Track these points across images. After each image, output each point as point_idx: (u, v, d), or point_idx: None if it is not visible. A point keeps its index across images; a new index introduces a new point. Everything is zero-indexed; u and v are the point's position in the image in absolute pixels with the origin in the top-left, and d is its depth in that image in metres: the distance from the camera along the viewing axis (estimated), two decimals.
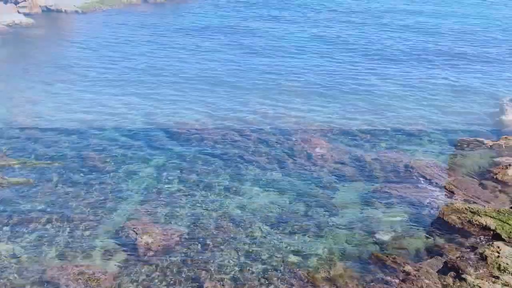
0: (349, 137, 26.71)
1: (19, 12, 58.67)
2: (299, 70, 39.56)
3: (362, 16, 66.61)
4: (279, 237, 18.22)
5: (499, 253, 16.21)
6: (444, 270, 16.10)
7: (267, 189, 21.50)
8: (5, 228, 18.48)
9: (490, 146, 24.92)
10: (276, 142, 25.86)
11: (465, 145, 25.82)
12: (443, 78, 37.73)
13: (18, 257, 16.96)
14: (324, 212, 19.76)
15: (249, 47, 47.28)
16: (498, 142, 25.24)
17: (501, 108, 29.13)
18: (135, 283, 15.96)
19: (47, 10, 64.75)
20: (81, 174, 22.36)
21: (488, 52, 46.14)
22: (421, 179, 22.07)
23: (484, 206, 19.53)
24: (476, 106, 31.60)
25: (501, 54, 45.39)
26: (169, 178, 22.24)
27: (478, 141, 26.25)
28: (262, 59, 42.80)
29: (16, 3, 59.60)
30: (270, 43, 49.10)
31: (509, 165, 22.87)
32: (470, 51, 46.42)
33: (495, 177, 22.17)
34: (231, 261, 16.94)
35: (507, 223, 17.94)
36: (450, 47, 48.22)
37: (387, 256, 16.89)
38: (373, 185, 21.86)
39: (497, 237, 17.50)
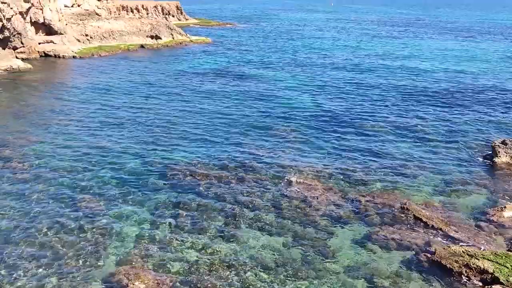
0: (344, 178, 26.69)
1: (17, 58, 59.65)
2: (293, 112, 40.04)
3: (356, 59, 68.25)
4: (275, 283, 17.79)
5: None
6: None
7: (262, 232, 21.19)
8: None
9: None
10: (271, 184, 25.76)
11: (460, 186, 25.87)
12: (436, 120, 38.26)
13: None
14: (320, 257, 19.42)
15: (243, 91, 48.00)
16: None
17: (494, 150, 29.38)
18: None
19: (45, 56, 65.99)
20: (73, 217, 22.00)
21: (478, 96, 47.11)
22: (416, 221, 21.91)
23: (481, 249, 19.32)
24: (469, 148, 31.90)
25: (491, 98, 46.33)
26: (162, 221, 21.92)
27: (472, 182, 26.37)
28: (256, 102, 43.35)
29: (14, 48, 60.68)
30: (263, 87, 49.92)
31: (505, 207, 22.84)
32: (461, 95, 47.35)
33: (491, 218, 22.08)
34: None
35: (505, 266, 17.69)
36: (442, 91, 49.22)
37: None
38: (369, 227, 21.64)
39: (495, 280, 17.20)
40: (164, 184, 25.74)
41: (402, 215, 22.46)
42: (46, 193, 24.37)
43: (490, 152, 29.92)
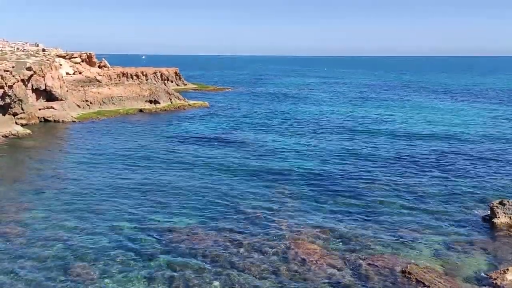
0: (343, 241, 26.27)
1: (16, 123, 60.47)
2: (290, 174, 40.10)
3: (350, 122, 69.47)
4: None
5: None
6: None
7: None
8: None
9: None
10: (269, 247, 25.30)
11: (461, 248, 25.48)
12: (432, 181, 38.31)
13: None
14: None
15: (239, 154, 48.30)
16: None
17: (492, 211, 29.25)
18: None
19: (44, 121, 66.98)
20: (68, 285, 21.35)
21: (474, 156, 47.54)
22: (419, 285, 21.36)
23: None
24: (467, 209, 31.72)
25: (485, 159, 46.73)
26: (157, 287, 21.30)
27: (473, 244, 26.01)
28: (253, 165, 43.49)
29: (14, 114, 61.67)
30: (259, 150, 50.34)
31: (507, 269, 22.40)
32: (454, 156, 47.77)
33: (494, 282, 21.57)
34: None
35: None
36: (437, 150, 49.74)
37: None
38: None
39: None
40: (160, 249, 25.23)
41: (404, 279, 21.94)
42: (40, 259, 23.80)
43: (489, 213, 29.77)
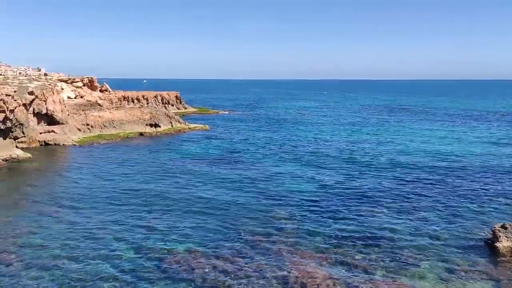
0: (344, 266, 25.94)
1: (17, 147, 60.53)
2: (289, 198, 39.87)
3: (350, 145, 69.52)
4: None
5: None
6: None
7: None
8: None
9: None
10: (269, 272, 24.98)
11: (464, 274, 25.17)
12: (434, 205, 38.09)
13: None
14: None
15: (239, 177, 48.16)
16: None
17: (494, 235, 28.98)
18: None
19: (45, 144, 67.09)
20: None
21: (475, 179, 47.37)
22: None
23: None
24: (470, 233, 31.41)
25: (488, 181, 46.57)
26: None
27: (476, 268, 25.70)
28: (252, 189, 43.33)
29: (15, 138, 61.81)
30: (258, 173, 50.19)
31: None
32: (458, 180, 47.60)
33: None
34: None
35: None
36: (438, 175, 49.56)
37: None
38: None
39: None
40: (159, 274, 24.92)
41: None
42: (36, 286, 23.46)
43: (491, 236, 29.50)
